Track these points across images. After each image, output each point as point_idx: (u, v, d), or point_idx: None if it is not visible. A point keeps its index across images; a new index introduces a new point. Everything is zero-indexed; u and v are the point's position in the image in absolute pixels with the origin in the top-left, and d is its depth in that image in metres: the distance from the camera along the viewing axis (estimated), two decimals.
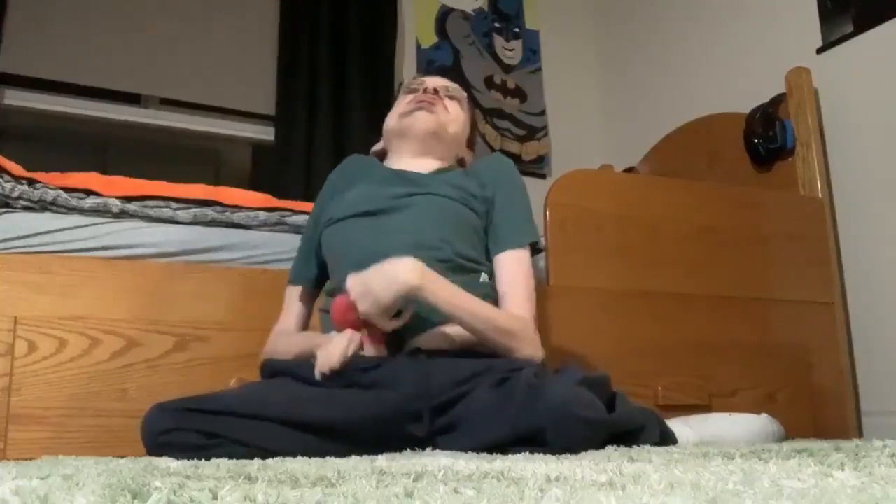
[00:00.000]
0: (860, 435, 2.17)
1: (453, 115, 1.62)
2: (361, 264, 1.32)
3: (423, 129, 1.57)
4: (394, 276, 1.25)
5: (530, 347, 1.37)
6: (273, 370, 1.39)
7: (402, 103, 1.62)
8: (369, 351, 1.31)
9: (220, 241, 1.69)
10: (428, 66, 3.18)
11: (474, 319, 1.31)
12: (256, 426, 1.18)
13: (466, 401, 1.22)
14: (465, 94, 1.70)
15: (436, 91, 1.61)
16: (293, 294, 1.59)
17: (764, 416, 1.63)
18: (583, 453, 1.04)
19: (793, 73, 2.43)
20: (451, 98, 1.64)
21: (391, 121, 1.64)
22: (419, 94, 1.61)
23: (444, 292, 1.29)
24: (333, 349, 1.27)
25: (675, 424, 1.44)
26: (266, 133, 2.97)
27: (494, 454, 1.08)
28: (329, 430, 1.21)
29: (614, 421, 1.17)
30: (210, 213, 1.71)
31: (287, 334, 1.53)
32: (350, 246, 1.46)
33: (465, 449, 1.15)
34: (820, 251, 2.25)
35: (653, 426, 1.32)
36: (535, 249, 1.55)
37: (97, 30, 2.79)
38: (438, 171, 1.56)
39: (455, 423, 1.22)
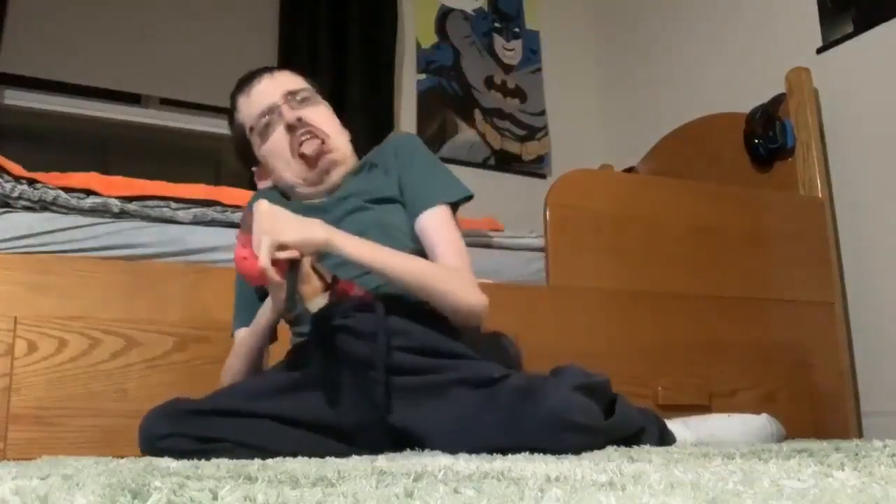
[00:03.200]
0: (860, 435, 2.17)
1: (330, 126, 1.47)
2: (323, 317, 1.29)
3: (338, 175, 1.45)
4: (302, 225, 1.18)
5: (469, 291, 1.28)
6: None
7: (284, 145, 1.42)
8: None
9: (220, 241, 1.69)
10: (427, 65, 3.18)
11: (399, 269, 1.24)
12: (251, 425, 1.19)
13: (447, 402, 1.18)
14: (298, 76, 1.51)
15: (299, 120, 1.42)
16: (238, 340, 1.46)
17: (764, 416, 1.63)
18: (583, 453, 1.04)
19: (793, 73, 2.43)
20: (309, 103, 1.46)
21: (292, 174, 1.44)
22: (288, 130, 1.42)
23: (361, 245, 1.23)
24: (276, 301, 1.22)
25: (674, 425, 1.44)
26: None
27: (494, 454, 1.08)
28: (318, 426, 1.22)
29: (612, 427, 1.15)
30: (210, 213, 1.71)
31: (231, 357, 1.44)
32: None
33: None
34: (820, 251, 2.25)
35: (652, 427, 1.32)
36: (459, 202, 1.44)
37: (97, 30, 2.79)
38: (345, 184, 1.45)
39: (434, 425, 1.19)
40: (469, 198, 1.42)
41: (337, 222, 1.32)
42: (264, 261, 1.12)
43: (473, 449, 1.10)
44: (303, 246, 1.17)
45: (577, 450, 1.04)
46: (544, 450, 1.04)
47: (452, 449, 1.13)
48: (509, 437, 1.07)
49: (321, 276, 1.23)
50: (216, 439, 1.16)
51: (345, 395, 1.25)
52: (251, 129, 1.46)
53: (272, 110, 1.43)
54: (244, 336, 1.41)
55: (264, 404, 1.22)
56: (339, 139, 1.47)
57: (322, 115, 1.47)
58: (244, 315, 1.45)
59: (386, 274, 1.23)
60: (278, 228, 1.15)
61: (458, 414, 1.16)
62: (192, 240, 1.67)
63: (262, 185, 1.53)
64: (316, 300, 1.23)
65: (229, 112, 1.52)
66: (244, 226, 1.20)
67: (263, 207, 1.17)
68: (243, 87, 1.49)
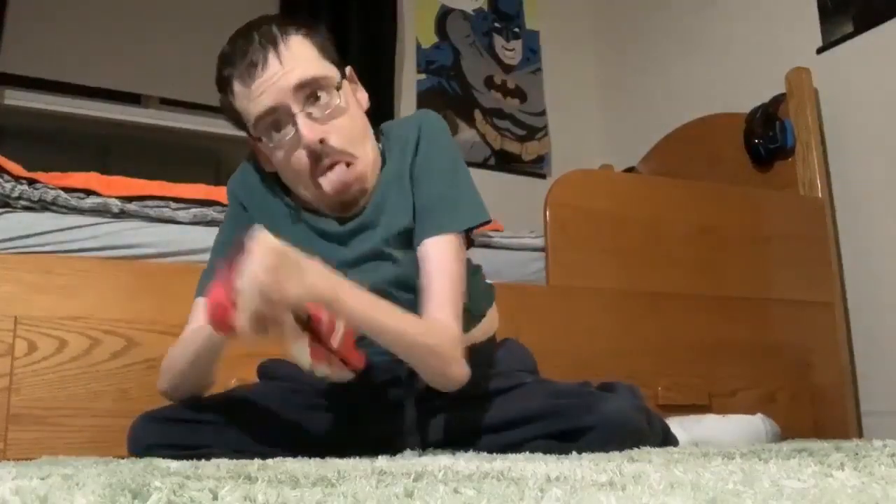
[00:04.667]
0: (860, 435, 2.17)
1: (354, 137, 1.22)
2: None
3: (358, 204, 1.25)
4: (305, 277, 0.98)
5: (453, 368, 1.14)
6: (270, 373, 1.37)
7: (304, 163, 1.18)
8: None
9: None
10: (427, 65, 3.18)
11: (390, 337, 1.09)
12: (239, 435, 1.18)
13: (484, 410, 1.23)
14: (310, 45, 1.20)
15: (322, 142, 1.17)
16: (200, 311, 1.21)
17: (758, 416, 1.64)
18: (584, 454, 1.05)
19: (793, 73, 2.43)
20: (331, 108, 1.19)
21: (311, 196, 1.23)
22: (308, 154, 1.17)
23: (358, 306, 1.05)
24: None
25: (670, 425, 1.45)
26: None
27: (494, 454, 1.08)
28: (317, 442, 1.21)
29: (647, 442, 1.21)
30: (210, 213, 1.71)
31: (180, 343, 1.24)
32: None
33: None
34: (820, 251, 2.25)
35: (656, 431, 1.33)
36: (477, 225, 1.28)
37: (97, 30, 2.79)
38: (363, 212, 1.26)
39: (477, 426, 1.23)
40: (486, 223, 1.27)
41: (353, 264, 1.21)
42: (243, 323, 0.92)
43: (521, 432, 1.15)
44: (301, 307, 0.97)
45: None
46: (588, 441, 1.09)
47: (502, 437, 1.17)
48: (558, 425, 1.13)
49: (297, 317, 0.99)
50: (203, 445, 1.15)
51: (369, 427, 1.25)
52: (258, 138, 1.20)
53: (285, 113, 1.17)
54: (200, 332, 1.16)
55: (262, 417, 1.22)
56: (364, 154, 1.23)
57: (345, 124, 1.20)
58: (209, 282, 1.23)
59: (377, 339, 1.08)
60: (278, 287, 0.93)
61: (501, 413, 1.20)
62: (192, 240, 1.67)
63: (269, 168, 1.28)
64: (298, 345, 0.99)
65: (218, 82, 1.23)
66: (233, 258, 0.95)
67: (267, 260, 0.93)
68: (239, 65, 1.18)
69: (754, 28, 2.76)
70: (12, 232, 1.55)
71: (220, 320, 0.94)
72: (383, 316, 1.08)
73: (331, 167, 1.19)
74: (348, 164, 1.20)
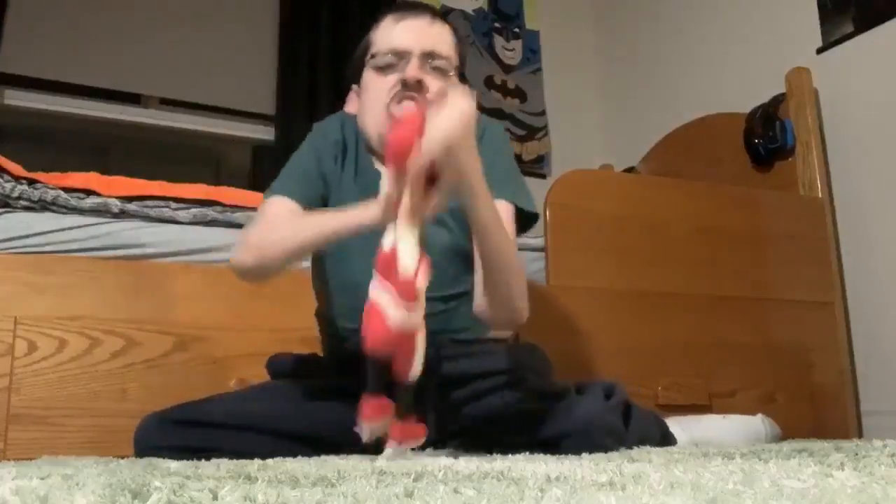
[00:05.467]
0: (860, 435, 2.17)
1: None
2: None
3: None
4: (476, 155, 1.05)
5: (526, 303, 1.25)
6: (279, 371, 1.37)
7: (385, 90, 1.30)
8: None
9: (220, 241, 1.69)
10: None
11: (501, 238, 1.17)
12: (248, 439, 1.18)
13: (481, 406, 1.23)
14: (453, 41, 1.38)
15: (419, 83, 1.28)
16: (285, 207, 1.31)
17: (758, 416, 1.64)
18: (584, 454, 1.05)
19: (793, 73, 2.43)
20: (439, 74, 1.32)
21: (373, 122, 1.33)
22: (400, 84, 1.30)
23: (490, 210, 1.14)
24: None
25: (670, 425, 1.45)
26: (266, 133, 2.97)
27: (494, 454, 1.08)
28: (326, 444, 1.21)
29: (629, 443, 1.21)
30: (210, 213, 1.71)
31: (287, 219, 1.29)
32: (348, 276, 1.30)
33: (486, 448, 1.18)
34: (820, 251, 2.25)
35: (654, 431, 1.33)
36: (527, 219, 1.38)
37: (97, 30, 2.79)
38: None
39: (468, 428, 1.24)
40: (535, 219, 1.37)
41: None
42: (419, 167, 0.94)
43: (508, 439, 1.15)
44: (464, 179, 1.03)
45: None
46: (568, 449, 1.10)
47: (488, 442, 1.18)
48: (539, 432, 1.14)
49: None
50: (208, 448, 1.15)
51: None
52: (373, 55, 1.33)
53: (401, 56, 1.30)
54: (319, 219, 1.23)
55: (266, 421, 1.22)
56: None
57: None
58: (297, 186, 1.34)
59: (487, 239, 1.16)
60: (464, 146, 0.98)
61: (491, 413, 1.21)
62: (192, 240, 1.67)
63: (349, 108, 1.42)
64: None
65: (374, 19, 1.40)
66: (422, 102, 1.01)
67: (467, 117, 0.98)
68: (399, 10, 1.36)
69: (754, 28, 2.76)
70: (12, 232, 1.55)
71: (402, 157, 0.95)
72: (503, 235, 1.18)
73: (407, 98, 1.27)
74: None
